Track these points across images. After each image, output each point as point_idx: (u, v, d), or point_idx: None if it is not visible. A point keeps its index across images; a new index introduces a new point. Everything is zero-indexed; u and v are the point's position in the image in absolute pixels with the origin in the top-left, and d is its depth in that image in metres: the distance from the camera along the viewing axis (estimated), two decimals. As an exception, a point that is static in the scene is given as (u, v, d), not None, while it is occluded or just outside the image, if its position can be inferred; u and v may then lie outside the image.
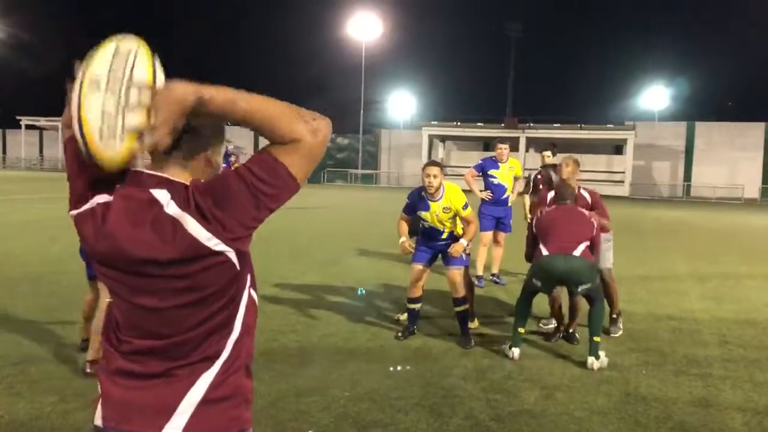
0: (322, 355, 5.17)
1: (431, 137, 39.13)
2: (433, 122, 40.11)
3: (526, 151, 37.67)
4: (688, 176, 37.88)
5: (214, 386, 1.48)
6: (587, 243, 5.28)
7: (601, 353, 5.04)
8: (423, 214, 5.62)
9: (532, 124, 37.71)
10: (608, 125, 37.53)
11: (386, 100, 56.60)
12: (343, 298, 7.21)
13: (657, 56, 70.62)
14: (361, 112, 42.62)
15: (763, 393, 4.56)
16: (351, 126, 44.66)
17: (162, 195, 1.41)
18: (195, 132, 1.46)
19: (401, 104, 55.69)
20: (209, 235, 1.38)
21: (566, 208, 5.58)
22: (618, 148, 36.99)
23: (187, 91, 1.35)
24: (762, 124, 37.22)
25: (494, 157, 8.33)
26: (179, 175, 1.46)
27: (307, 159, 1.43)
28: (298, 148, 1.40)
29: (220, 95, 1.37)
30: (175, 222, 1.38)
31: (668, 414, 4.15)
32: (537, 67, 73.71)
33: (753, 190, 36.06)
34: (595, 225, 5.39)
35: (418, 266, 5.68)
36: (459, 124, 39.22)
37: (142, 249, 1.40)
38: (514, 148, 37.80)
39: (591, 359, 4.99)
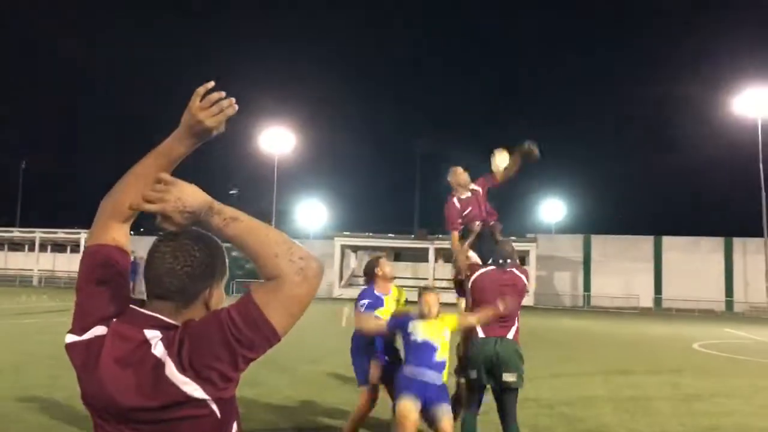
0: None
1: (343, 247, 39.39)
2: (345, 232, 40.53)
3: (435, 261, 38.45)
4: (587, 286, 39.65)
5: None
6: (518, 323, 4.77)
7: None
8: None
9: (440, 236, 38.81)
10: (511, 237, 39.18)
11: (297, 211, 57.00)
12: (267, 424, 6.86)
13: (553, 171, 75.44)
14: (273, 222, 42.59)
15: None
16: (262, 236, 44.29)
17: (152, 335, 1.37)
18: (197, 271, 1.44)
19: (313, 214, 56.16)
20: (186, 379, 1.31)
21: (503, 275, 4.85)
22: (521, 260, 38.51)
23: (203, 197, 1.38)
24: (651, 237, 39.92)
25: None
26: (174, 315, 1.42)
27: (288, 303, 1.34)
28: (280, 287, 1.33)
29: (226, 208, 1.38)
30: (158, 365, 1.33)
31: None
32: (443, 181, 77.00)
33: (647, 300, 38.10)
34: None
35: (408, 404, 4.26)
36: (371, 234, 39.83)
37: (125, 395, 1.34)
38: (423, 258, 38.65)
39: None
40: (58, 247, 43.66)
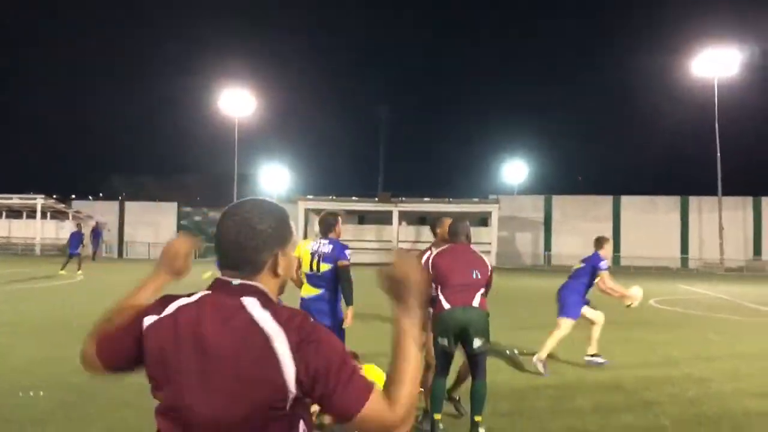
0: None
1: (307, 211, 39.25)
2: (308, 196, 40.35)
3: (399, 224, 38.62)
4: (548, 246, 40.34)
5: None
6: (482, 291, 5.08)
7: (483, 429, 4.98)
8: None
9: (404, 199, 38.89)
10: (474, 199, 39.53)
11: (260, 174, 56.41)
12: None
13: (515, 133, 76.10)
14: (235, 185, 42.13)
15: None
16: (225, 200, 43.89)
17: (249, 301, 1.52)
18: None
19: (275, 178, 55.66)
20: (291, 363, 1.44)
21: (457, 248, 5.24)
22: (483, 221, 38.83)
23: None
24: (610, 197, 40.62)
25: None
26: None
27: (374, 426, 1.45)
28: (386, 417, 1.45)
29: (415, 326, 1.55)
30: (266, 337, 1.46)
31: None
32: (405, 145, 76.75)
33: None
34: (490, 266, 5.20)
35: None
36: (334, 198, 39.71)
37: (229, 360, 1.47)
38: (387, 221, 38.75)
39: None
40: (14, 213, 42.54)
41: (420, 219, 41.13)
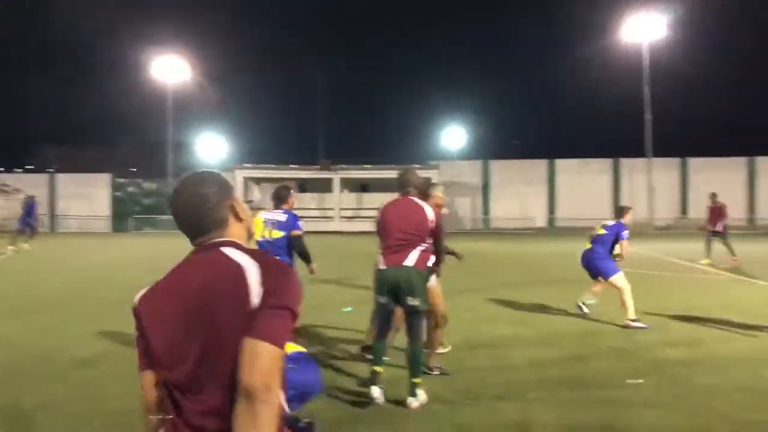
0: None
1: (246, 179, 38.71)
2: (246, 164, 39.74)
3: (341, 191, 38.58)
4: (486, 209, 41.09)
5: None
6: (422, 247, 5.08)
7: (421, 390, 5.10)
8: None
9: (344, 166, 38.80)
10: (414, 165, 39.77)
11: (196, 143, 55.11)
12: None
13: (454, 99, 76.58)
14: (169, 154, 41.07)
15: (572, 411, 5.07)
16: (159, 170, 42.79)
17: (229, 250, 1.71)
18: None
19: (212, 147, 54.47)
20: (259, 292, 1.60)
21: (400, 202, 5.22)
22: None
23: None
24: (545, 161, 41.56)
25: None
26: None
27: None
28: (269, 366, 1.54)
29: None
30: (241, 275, 1.62)
31: (494, 440, 4.46)
32: (346, 112, 76.18)
33: (542, 220, 40.07)
34: (433, 221, 5.10)
35: None
36: (273, 166, 39.27)
37: (222, 302, 1.63)
38: (328, 189, 38.65)
39: (410, 399, 5.03)
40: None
41: (362, 186, 41.21)
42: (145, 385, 1.72)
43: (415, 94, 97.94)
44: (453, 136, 56.53)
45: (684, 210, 39.07)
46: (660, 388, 5.64)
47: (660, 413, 5.00)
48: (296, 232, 6.16)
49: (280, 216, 6.23)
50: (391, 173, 37.49)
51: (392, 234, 5.11)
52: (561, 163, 41.37)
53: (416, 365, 5.08)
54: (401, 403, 5.12)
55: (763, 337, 7.66)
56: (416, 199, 5.22)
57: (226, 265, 1.64)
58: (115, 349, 7.04)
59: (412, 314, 5.08)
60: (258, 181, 40.66)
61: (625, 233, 8.65)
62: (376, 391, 5.06)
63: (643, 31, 36.84)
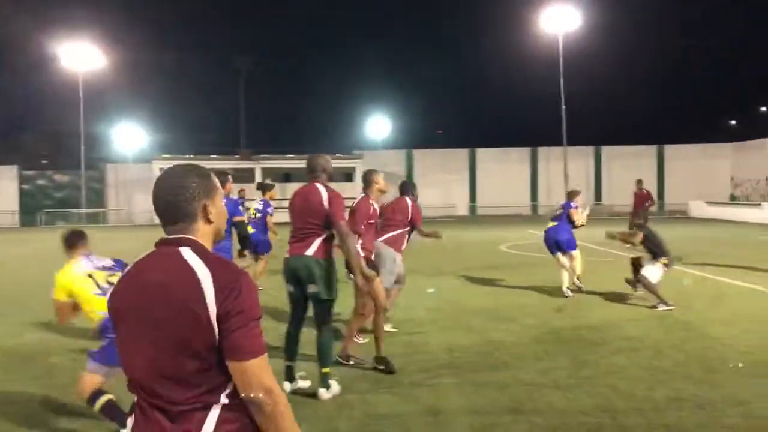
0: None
1: (162, 171, 37.60)
2: (164, 155, 38.54)
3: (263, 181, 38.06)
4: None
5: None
6: (323, 237, 5.03)
7: (333, 381, 5.10)
8: None
9: (266, 155, 38.22)
10: (337, 154, 39.59)
11: (111, 134, 53.02)
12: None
13: (379, 89, 76.54)
14: (82, 146, 39.27)
15: (483, 395, 5.16)
16: (71, 161, 40.89)
17: (184, 250, 1.80)
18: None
19: (128, 137, 52.58)
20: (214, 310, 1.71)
21: (305, 189, 5.19)
22: (348, 176, 39.12)
23: None
24: (466, 150, 42.26)
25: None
26: (188, 232, 1.85)
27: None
28: (261, 377, 1.72)
29: None
30: (198, 283, 1.73)
31: (406, 427, 4.48)
32: (269, 100, 74.83)
33: (463, 208, 40.77)
34: (327, 207, 4.97)
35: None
36: (192, 156, 38.24)
37: (169, 298, 1.77)
38: (250, 179, 37.96)
39: (321, 390, 5.01)
40: None
41: (285, 176, 40.67)
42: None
43: (341, 83, 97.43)
44: (378, 125, 56.68)
45: (598, 197, 40.55)
46: (570, 369, 5.82)
47: (566, 394, 5.16)
48: (238, 218, 7.24)
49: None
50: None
51: (296, 222, 5.15)
52: (482, 152, 42.13)
53: (325, 355, 5.07)
54: (313, 395, 5.08)
55: (671, 317, 8.04)
56: (319, 185, 5.10)
57: (183, 270, 1.73)
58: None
59: (315, 303, 5.09)
60: (177, 172, 39.50)
61: (573, 203, 10.13)
62: (286, 386, 5.05)
63: (559, 22, 37.85)
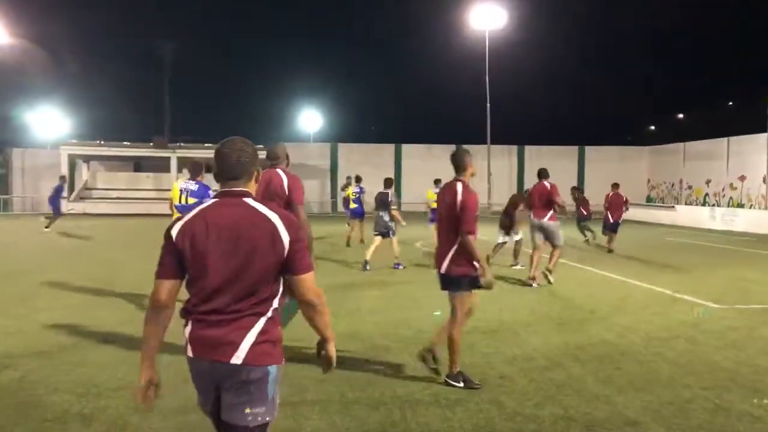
0: None
1: (72, 157, 35.45)
2: (72, 141, 36.37)
3: (179, 171, 36.41)
4: (334, 193, 40.70)
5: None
6: None
7: None
8: None
9: (182, 144, 36.61)
10: (259, 146, 38.35)
11: (20, 117, 49.83)
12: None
13: (313, 82, 75.43)
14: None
15: (351, 414, 4.52)
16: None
17: (248, 199, 2.57)
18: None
19: (41, 122, 49.50)
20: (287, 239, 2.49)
21: (265, 175, 5.49)
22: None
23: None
24: (392, 145, 41.84)
25: None
26: (244, 186, 2.60)
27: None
28: (313, 284, 2.57)
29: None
30: (271, 223, 2.49)
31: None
32: (194, 88, 72.21)
33: (388, 204, 40.35)
34: (287, 191, 5.48)
35: None
36: (103, 142, 36.25)
37: (248, 239, 2.50)
38: (165, 168, 36.27)
39: None
40: None
41: (205, 166, 39.14)
42: (161, 288, 2.45)
43: (275, 75, 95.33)
44: (309, 119, 55.84)
45: (520, 195, 40.92)
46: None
47: (445, 413, 4.58)
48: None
49: (193, 186, 8.30)
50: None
51: None
52: (407, 148, 41.81)
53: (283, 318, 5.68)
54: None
55: (572, 322, 7.64)
56: (279, 171, 5.60)
57: (255, 213, 2.47)
58: None
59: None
60: (86, 158, 37.41)
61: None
62: None
63: (485, 20, 37.83)
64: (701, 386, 5.26)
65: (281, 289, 2.51)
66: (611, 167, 40.10)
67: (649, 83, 77.78)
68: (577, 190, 19.48)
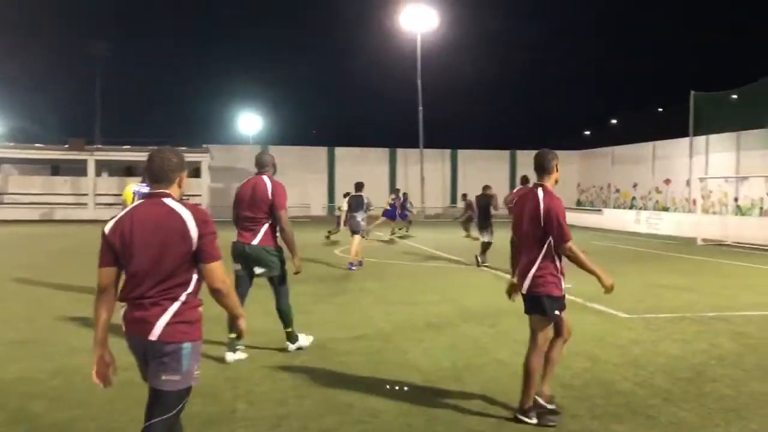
0: None
1: (-17, 160, 33.26)
2: (-21, 143, 34.10)
3: (98, 175, 34.65)
4: (264, 197, 39.63)
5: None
6: (267, 224, 5.96)
7: (302, 335, 6.35)
8: None
9: (100, 146, 34.85)
10: (182, 147, 36.97)
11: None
12: None
13: (253, 85, 73.88)
14: None
15: None
16: None
17: (167, 200, 3.00)
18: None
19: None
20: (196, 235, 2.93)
21: (251, 181, 6.11)
22: (196, 171, 36.58)
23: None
24: (326, 149, 41.03)
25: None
26: (166, 190, 3.05)
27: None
28: (221, 272, 3.00)
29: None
30: (183, 220, 2.93)
31: None
32: (127, 89, 69.54)
33: (318, 208, 39.46)
34: (271, 197, 5.93)
35: None
36: (15, 145, 34.16)
37: (165, 237, 2.98)
38: (81, 172, 34.43)
39: (287, 344, 6.24)
40: None
41: (127, 169, 37.37)
42: (102, 275, 2.92)
43: (215, 78, 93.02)
44: (249, 121, 54.70)
45: (453, 199, 40.64)
46: (316, 407, 4.51)
47: None
48: None
49: (145, 189, 7.74)
50: (155, 156, 34.29)
51: (241, 213, 6.05)
52: (340, 151, 41.07)
53: (284, 317, 6.21)
54: None
55: (464, 338, 7.02)
56: (266, 178, 6.08)
57: (170, 212, 2.91)
58: None
59: (271, 280, 6.18)
60: (-1, 161, 35.20)
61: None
62: (229, 356, 5.83)
63: (417, 23, 37.43)
64: (592, 415, 4.69)
65: (195, 278, 2.94)
66: (543, 171, 40.34)
67: (584, 89, 79.41)
68: (466, 196, 22.06)
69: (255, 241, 5.90)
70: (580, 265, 4.46)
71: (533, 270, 4.49)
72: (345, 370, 5.77)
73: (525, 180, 15.00)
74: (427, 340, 6.94)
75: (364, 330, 7.39)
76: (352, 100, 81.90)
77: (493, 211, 14.35)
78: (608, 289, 4.56)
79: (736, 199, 27.31)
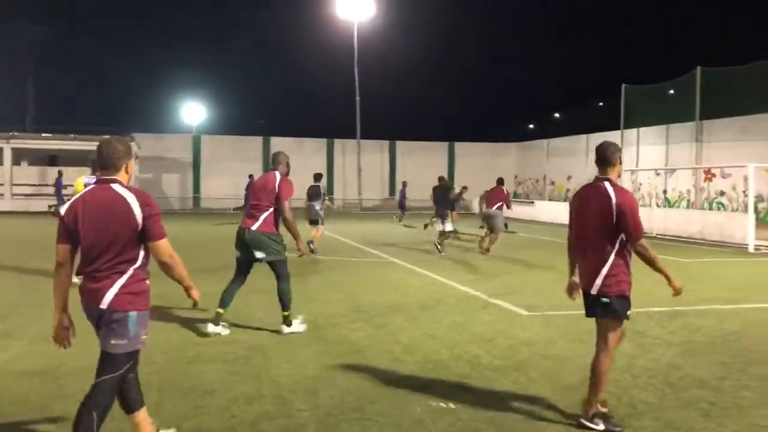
0: None
1: None
2: None
3: (16, 164, 32.80)
4: (197, 188, 38.33)
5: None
6: (269, 211, 6.53)
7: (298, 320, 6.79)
8: None
9: (16, 134, 32.98)
10: (105, 136, 35.35)
11: None
12: None
13: (194, 74, 71.49)
14: None
15: None
16: None
17: (114, 185, 3.38)
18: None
19: None
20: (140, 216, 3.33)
21: (263, 176, 6.91)
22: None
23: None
24: (260, 138, 39.94)
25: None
26: (114, 176, 3.42)
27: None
28: (168, 248, 3.44)
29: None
30: (127, 203, 3.31)
31: None
32: (65, 74, 66.19)
33: (255, 200, 38.42)
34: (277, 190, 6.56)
35: None
36: None
37: (108, 219, 3.37)
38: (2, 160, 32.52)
39: (282, 326, 6.66)
40: None
41: (50, 158, 35.49)
42: (59, 250, 3.33)
43: (155, 65, 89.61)
44: (192, 111, 53.07)
45: (392, 191, 40.14)
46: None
47: None
48: None
49: (93, 180, 8.31)
50: (74, 144, 32.69)
51: (252, 200, 6.75)
52: (276, 141, 39.97)
53: (283, 300, 6.62)
54: None
55: (340, 340, 6.47)
56: (277, 173, 6.71)
57: (116, 195, 3.27)
58: None
59: (271, 264, 6.62)
60: None
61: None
62: (210, 327, 6.50)
63: (353, 10, 36.71)
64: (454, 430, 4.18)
65: (142, 254, 3.36)
66: (480, 162, 40.23)
67: (529, 82, 79.98)
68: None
69: (254, 227, 6.49)
70: (651, 262, 4.24)
71: (605, 269, 4.22)
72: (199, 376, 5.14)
73: (500, 182, 14.94)
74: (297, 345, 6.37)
75: (234, 336, 6.78)
76: (295, 88, 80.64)
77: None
78: (677, 291, 4.38)
79: (665, 192, 27.61)
